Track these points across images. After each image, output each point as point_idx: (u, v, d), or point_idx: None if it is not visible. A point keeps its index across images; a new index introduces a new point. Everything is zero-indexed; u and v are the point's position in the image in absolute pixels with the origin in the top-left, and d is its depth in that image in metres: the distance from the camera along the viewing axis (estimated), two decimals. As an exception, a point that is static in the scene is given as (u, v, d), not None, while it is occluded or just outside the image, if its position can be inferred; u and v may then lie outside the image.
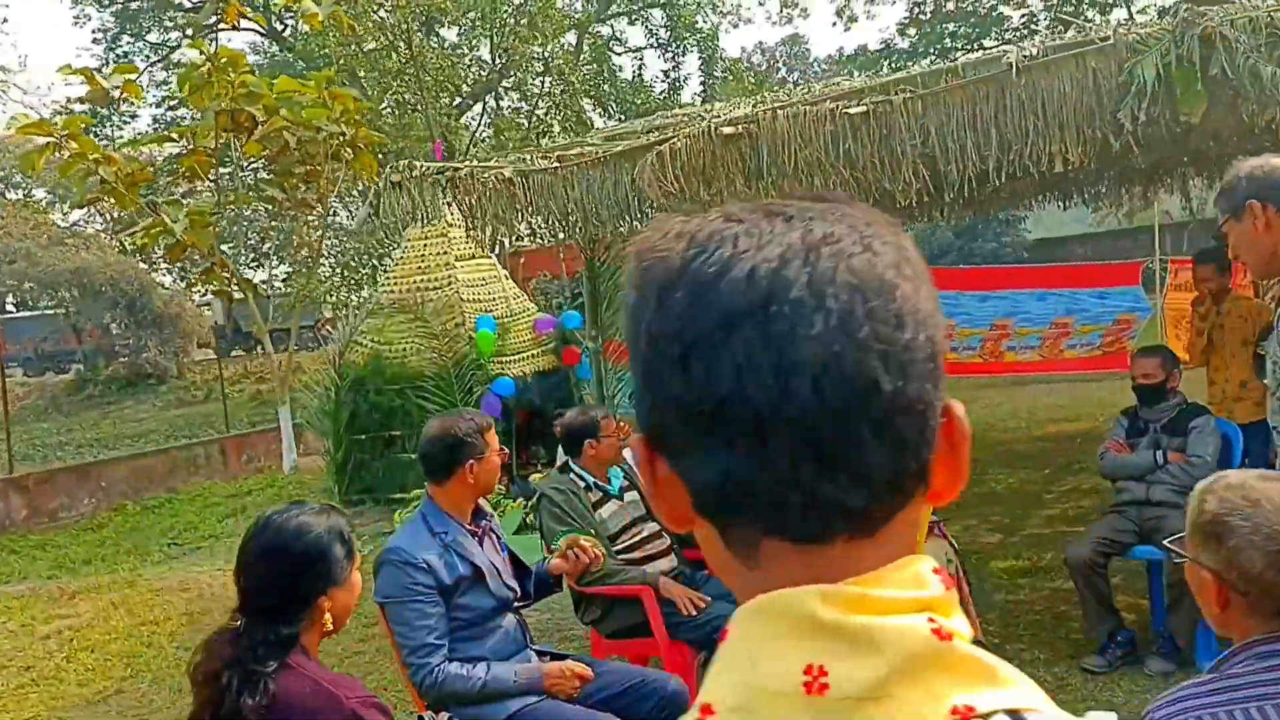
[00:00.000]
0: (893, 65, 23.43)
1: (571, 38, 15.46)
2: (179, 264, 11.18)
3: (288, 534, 1.99)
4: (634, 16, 16.63)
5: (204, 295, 24.56)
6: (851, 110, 4.45)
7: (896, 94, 4.46)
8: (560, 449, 9.19)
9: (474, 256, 9.56)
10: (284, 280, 20.05)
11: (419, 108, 13.41)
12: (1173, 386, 4.47)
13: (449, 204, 5.49)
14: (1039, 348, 12.15)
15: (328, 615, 2.00)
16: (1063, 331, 12.07)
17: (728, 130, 4.68)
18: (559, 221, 5.42)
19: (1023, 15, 24.23)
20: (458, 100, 15.42)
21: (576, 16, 15.37)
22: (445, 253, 9.33)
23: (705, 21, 16.30)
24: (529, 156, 5.49)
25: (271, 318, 11.59)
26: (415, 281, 9.30)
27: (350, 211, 17.09)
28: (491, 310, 9.25)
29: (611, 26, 17.18)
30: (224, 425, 15.26)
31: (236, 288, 10.04)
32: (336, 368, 9.05)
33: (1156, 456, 4.33)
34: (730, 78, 16.96)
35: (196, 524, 9.56)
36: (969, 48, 23.09)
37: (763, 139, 4.65)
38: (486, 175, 5.36)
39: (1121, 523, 4.28)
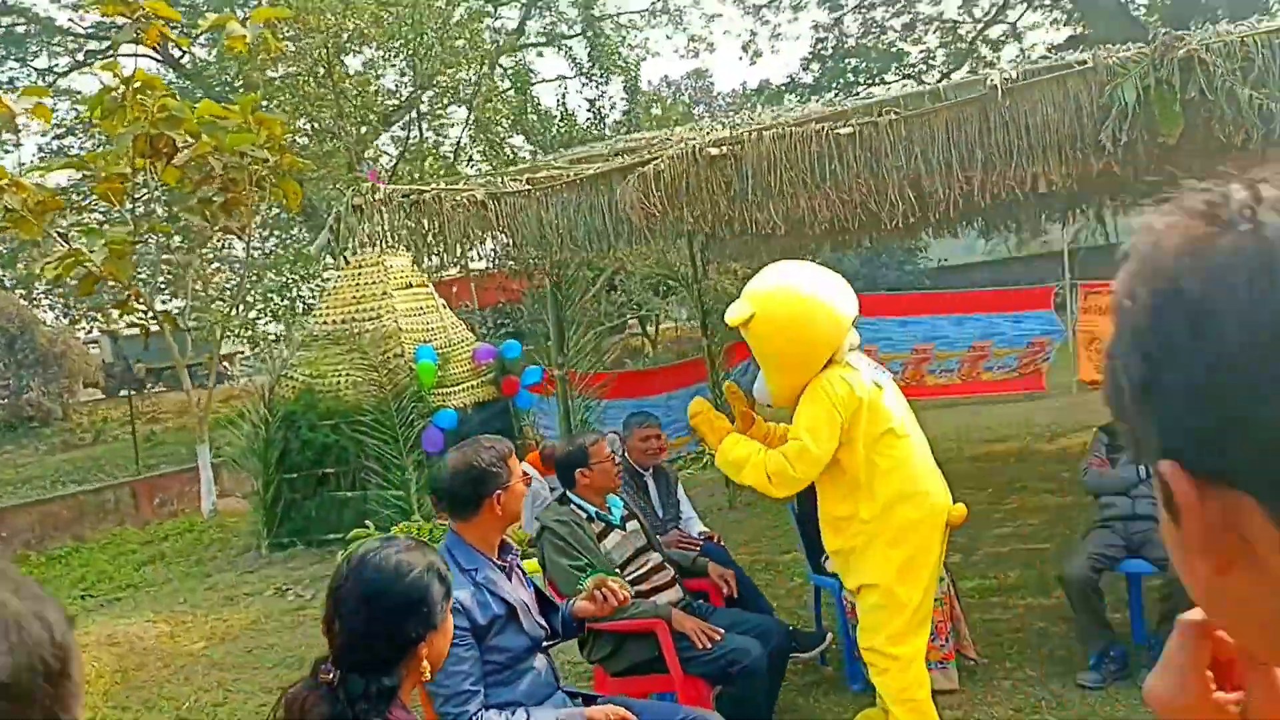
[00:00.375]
0: (799, 99, 24.18)
1: (487, 65, 15.34)
2: (88, 296, 10.52)
3: (388, 574, 1.80)
4: (555, 44, 16.59)
5: (89, 332, 23.39)
6: (840, 131, 4.45)
7: (883, 115, 4.48)
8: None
9: (410, 285, 9.29)
10: (180, 314, 19.25)
11: (338, 134, 13.03)
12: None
13: (426, 229, 5.28)
14: (958, 371, 12.48)
15: (426, 663, 1.82)
16: (980, 354, 12.42)
17: (714, 151, 4.62)
18: (533, 244, 5.27)
19: (921, 51, 25.14)
20: (365, 128, 15.06)
21: (490, 45, 15.23)
22: (381, 281, 9.04)
23: (622, 53, 16.40)
24: (499, 178, 5.34)
25: (189, 352, 11.02)
26: (350, 311, 8.97)
27: (246, 244, 16.43)
28: (431, 340, 8.98)
29: (521, 57, 17.08)
30: (116, 469, 14.54)
31: (153, 320, 9.52)
32: (267, 403, 8.63)
33: (1139, 471, 4.40)
34: (645, 110, 17.04)
35: (110, 573, 8.96)
36: (871, 82, 23.96)
37: (748, 160, 4.61)
38: (459, 197, 5.18)
39: (1111, 538, 4.33)
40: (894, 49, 24.89)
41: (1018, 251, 28.92)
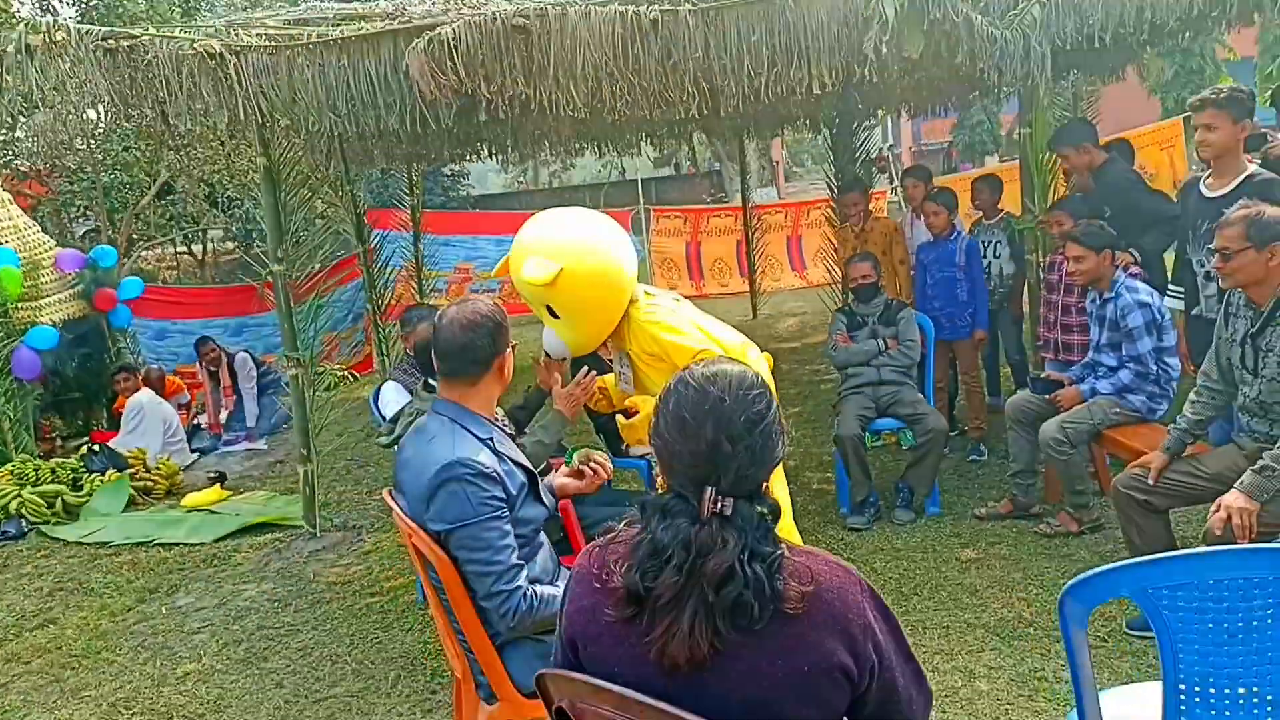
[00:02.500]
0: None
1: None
2: None
3: (761, 391, 1.58)
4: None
5: None
6: (648, 14, 4.47)
7: (682, 5, 4.58)
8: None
9: (-34, 174, 7.36)
10: None
11: None
12: (881, 284, 5.31)
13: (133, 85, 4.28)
14: (500, 290, 12.85)
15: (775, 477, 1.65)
16: None
17: (517, 21, 4.38)
18: (281, 112, 4.55)
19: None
20: None
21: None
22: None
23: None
24: (233, 29, 4.51)
25: None
26: (-122, 203, 6.86)
27: None
28: (3, 241, 7.22)
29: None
30: None
31: None
32: None
33: (879, 344, 5.12)
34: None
35: None
36: None
37: (552, 34, 4.45)
38: (188, 49, 4.30)
39: (865, 401, 4.99)
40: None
41: (545, 184, 30.44)
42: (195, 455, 7.62)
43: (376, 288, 8.13)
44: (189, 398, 8.56)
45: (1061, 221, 4.99)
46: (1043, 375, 4.73)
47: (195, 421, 8.37)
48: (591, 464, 2.93)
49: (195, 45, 4.30)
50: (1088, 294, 4.65)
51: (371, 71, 4.52)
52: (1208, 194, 3.70)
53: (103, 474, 6.32)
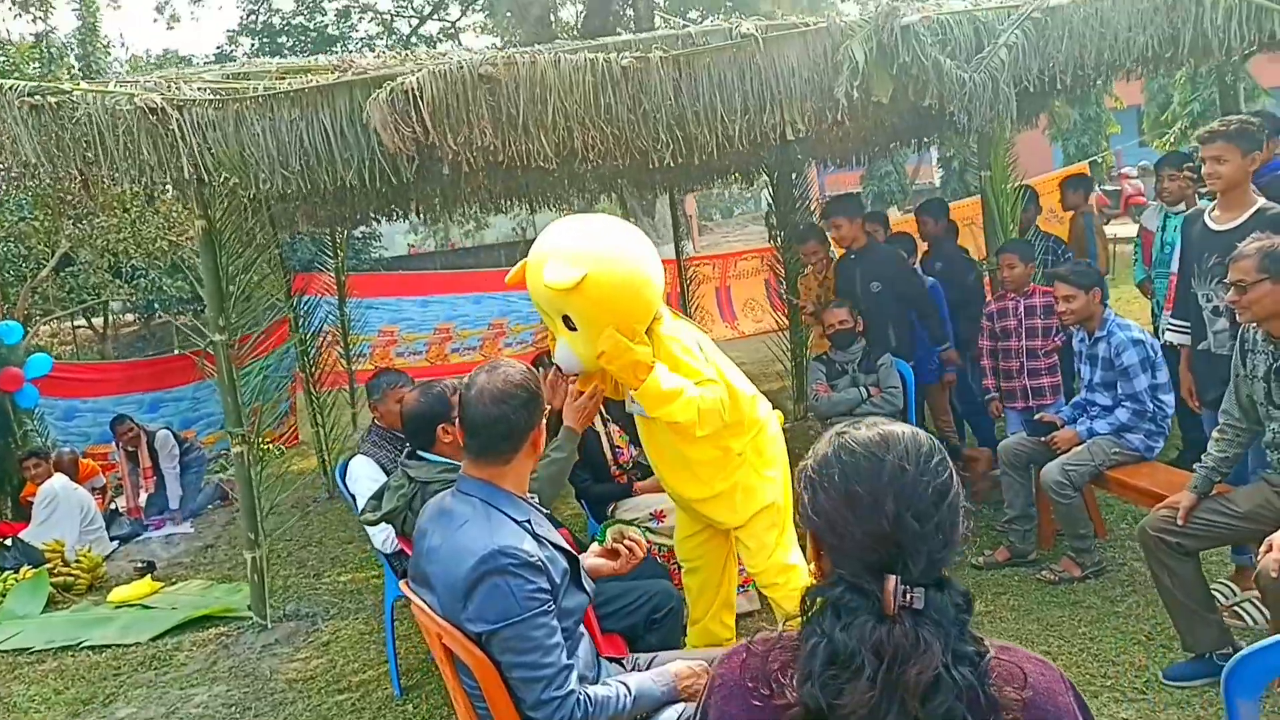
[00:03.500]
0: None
1: None
2: None
3: (931, 446, 1.34)
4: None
5: None
6: (619, 61, 4.29)
7: (653, 52, 4.42)
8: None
9: None
10: None
11: None
12: (858, 330, 5.17)
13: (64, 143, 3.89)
14: (479, 348, 12.66)
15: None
16: (499, 332, 12.73)
17: (484, 70, 4.15)
18: (231, 169, 4.19)
19: (360, 39, 24.57)
20: None
21: None
22: None
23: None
24: (172, 83, 4.17)
25: None
26: None
27: None
28: (-105, 321, 6.60)
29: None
30: None
31: None
32: None
33: (862, 392, 4.97)
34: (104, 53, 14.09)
35: None
36: (309, 64, 22.64)
37: (521, 83, 4.24)
38: (125, 104, 3.95)
39: (852, 452, 4.80)
40: (329, 32, 24.07)
41: (465, 242, 30.23)
42: (115, 544, 7.02)
43: (309, 355, 7.68)
44: (104, 481, 7.92)
45: (1012, 264, 4.91)
46: (1037, 417, 4.63)
47: (112, 506, 7.74)
48: (626, 542, 2.66)
49: (134, 99, 3.95)
50: (1072, 335, 4.58)
51: (327, 125, 4.23)
52: (1214, 227, 3.66)
53: (16, 571, 5.72)
